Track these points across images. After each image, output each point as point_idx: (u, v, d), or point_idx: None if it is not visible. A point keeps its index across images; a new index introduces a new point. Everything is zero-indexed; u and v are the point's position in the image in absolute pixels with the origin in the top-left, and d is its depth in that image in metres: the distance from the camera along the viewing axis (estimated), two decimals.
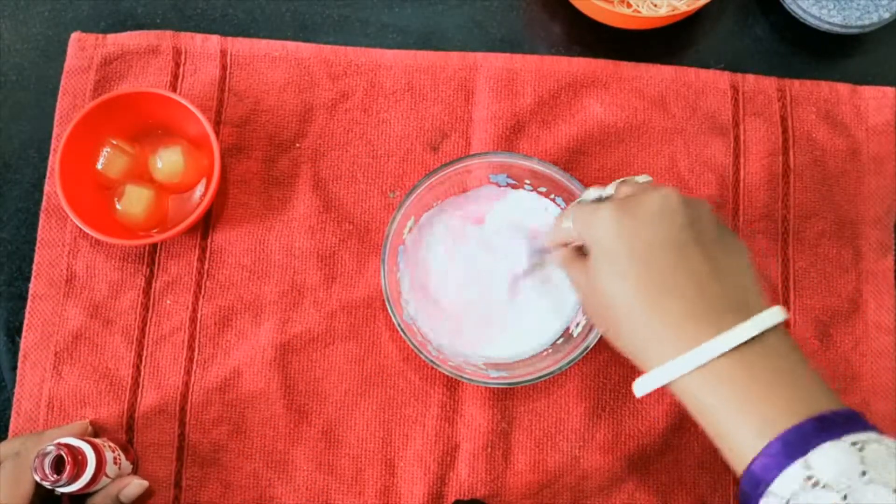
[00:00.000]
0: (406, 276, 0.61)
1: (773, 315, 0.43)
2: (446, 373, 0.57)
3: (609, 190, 0.51)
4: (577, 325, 0.60)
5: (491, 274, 0.61)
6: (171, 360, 0.61)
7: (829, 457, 0.38)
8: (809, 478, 0.38)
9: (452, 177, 0.61)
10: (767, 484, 0.39)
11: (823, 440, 0.39)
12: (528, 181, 0.62)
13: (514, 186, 0.63)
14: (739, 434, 0.42)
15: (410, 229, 0.61)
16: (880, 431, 0.41)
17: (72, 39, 0.66)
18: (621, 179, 0.51)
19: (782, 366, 0.43)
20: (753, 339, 0.42)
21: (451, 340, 0.60)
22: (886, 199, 0.65)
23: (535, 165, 0.60)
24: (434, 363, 0.57)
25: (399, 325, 0.57)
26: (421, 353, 0.57)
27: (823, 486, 0.38)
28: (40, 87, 0.66)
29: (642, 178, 0.51)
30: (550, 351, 0.60)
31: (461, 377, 0.57)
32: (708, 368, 0.42)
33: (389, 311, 0.57)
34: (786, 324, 0.45)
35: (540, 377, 0.57)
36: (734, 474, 0.61)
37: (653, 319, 0.44)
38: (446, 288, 0.61)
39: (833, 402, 0.41)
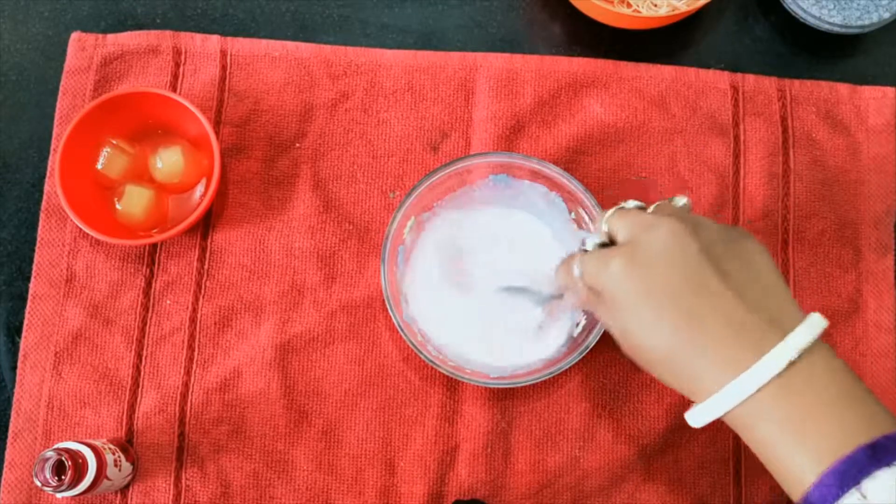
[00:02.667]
0: (406, 276, 0.61)
1: (810, 329, 0.42)
2: (446, 373, 0.57)
3: (603, 229, 0.49)
4: (578, 325, 0.60)
5: (492, 293, 0.61)
6: (171, 360, 0.61)
7: (882, 486, 0.38)
8: None
9: (452, 177, 0.61)
10: None
11: (876, 468, 0.39)
12: (528, 181, 0.62)
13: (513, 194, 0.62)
14: (793, 461, 0.41)
15: (410, 229, 0.61)
16: None
17: (72, 39, 0.66)
18: (613, 210, 0.49)
19: (831, 386, 0.42)
20: (800, 358, 0.42)
21: (449, 340, 0.60)
22: (886, 199, 0.65)
23: (535, 165, 0.60)
24: (434, 363, 0.57)
25: (399, 325, 0.57)
26: (421, 353, 0.57)
27: None
28: (40, 87, 0.66)
29: (632, 203, 0.50)
30: (549, 353, 0.60)
31: (461, 377, 0.57)
32: (754, 398, 0.42)
33: (389, 311, 0.57)
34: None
35: (540, 377, 0.57)
36: (743, 472, 0.61)
37: (692, 357, 0.43)
38: (443, 292, 0.61)
39: (887, 424, 0.41)
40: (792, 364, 0.41)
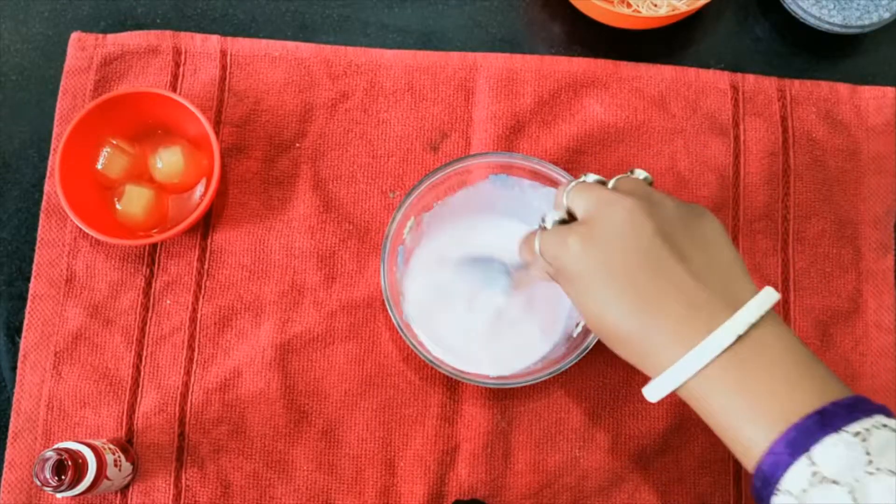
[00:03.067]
0: (406, 276, 0.61)
1: (759, 305, 0.43)
2: (446, 373, 0.57)
3: (563, 204, 0.49)
4: (578, 325, 0.60)
5: (474, 297, 0.61)
6: (171, 360, 0.61)
7: (830, 451, 0.38)
8: (815, 473, 0.38)
9: (452, 177, 0.61)
10: (777, 481, 0.40)
11: (826, 434, 0.39)
12: (528, 181, 0.62)
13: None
14: (746, 433, 0.42)
15: (411, 229, 0.61)
16: (889, 413, 0.40)
17: (72, 39, 0.66)
18: (573, 183, 0.49)
19: (782, 357, 0.42)
20: (748, 331, 0.42)
21: (449, 340, 0.60)
22: (886, 199, 0.65)
23: (535, 165, 0.60)
24: (434, 363, 0.57)
25: (399, 326, 0.57)
26: (421, 353, 0.57)
27: (831, 482, 0.38)
28: (40, 87, 0.66)
29: (592, 177, 0.50)
30: (549, 354, 0.60)
31: (461, 377, 0.57)
32: (706, 371, 0.42)
33: (389, 311, 0.57)
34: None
35: (540, 377, 0.57)
36: (744, 472, 0.61)
37: (648, 334, 0.44)
38: (443, 292, 0.61)
39: (837, 391, 0.41)
40: (741, 338, 0.42)
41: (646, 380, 0.62)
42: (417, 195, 0.60)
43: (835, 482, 0.38)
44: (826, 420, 0.40)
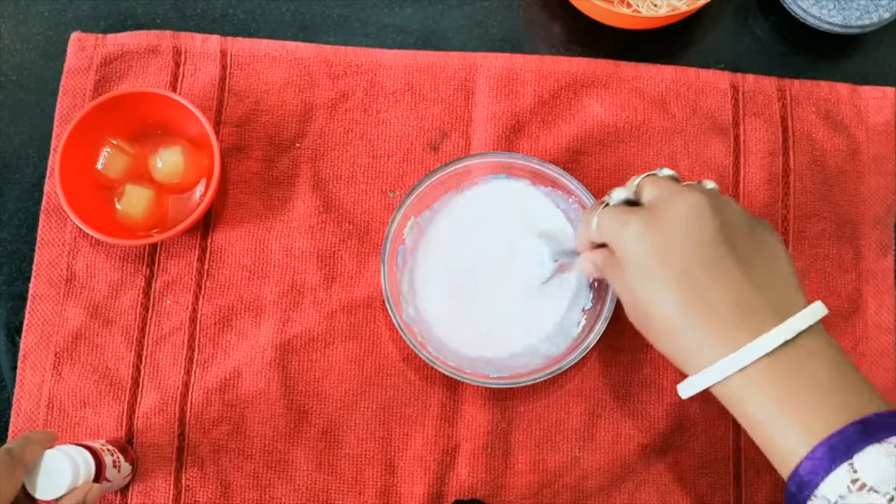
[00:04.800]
0: (406, 276, 0.61)
1: (809, 315, 0.44)
2: (446, 373, 0.57)
3: (633, 186, 0.50)
4: (578, 324, 0.60)
5: (504, 277, 0.61)
6: (171, 360, 0.61)
7: (873, 460, 0.39)
8: (855, 481, 0.39)
9: (452, 177, 0.61)
10: (814, 487, 0.40)
11: (868, 443, 0.39)
12: (528, 180, 0.62)
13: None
14: (784, 437, 0.42)
15: (411, 229, 0.61)
16: None
17: (72, 39, 0.66)
18: (646, 174, 0.50)
19: (825, 368, 0.43)
20: (794, 340, 0.43)
21: (449, 340, 0.60)
22: (886, 199, 0.65)
23: (535, 165, 0.60)
24: (434, 363, 0.57)
25: (399, 325, 0.57)
26: (421, 353, 0.57)
27: (870, 490, 0.38)
28: (40, 87, 0.66)
29: (666, 172, 0.50)
30: (549, 352, 0.60)
31: (461, 377, 0.57)
32: (748, 372, 0.43)
33: (389, 311, 0.57)
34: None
35: (540, 377, 0.57)
36: (745, 473, 0.61)
37: (693, 329, 0.45)
38: (444, 291, 0.61)
39: (877, 404, 0.42)
40: (787, 344, 0.43)
41: (645, 379, 0.62)
42: (417, 195, 0.60)
43: (874, 490, 0.38)
44: (869, 430, 0.40)
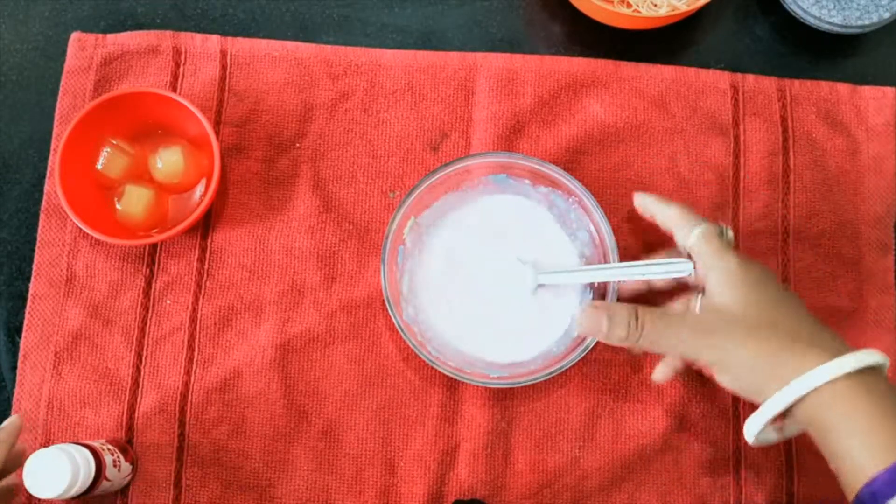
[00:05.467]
0: (406, 276, 0.61)
1: (878, 354, 0.48)
2: (446, 373, 0.57)
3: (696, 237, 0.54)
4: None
5: (493, 286, 0.62)
6: (171, 360, 0.61)
7: None
8: None
9: (452, 177, 0.61)
10: (887, 498, 0.43)
11: None
12: (527, 181, 0.62)
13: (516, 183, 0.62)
14: (859, 452, 0.45)
15: (410, 229, 0.61)
16: None
17: (72, 39, 0.66)
18: (697, 231, 0.54)
19: (893, 398, 0.47)
20: (863, 370, 0.47)
21: (449, 341, 0.61)
22: (886, 199, 0.65)
23: (535, 165, 0.60)
24: (434, 363, 0.57)
25: (399, 326, 0.57)
26: (421, 353, 0.57)
27: None
28: (40, 87, 0.66)
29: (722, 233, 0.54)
30: (549, 352, 0.60)
31: (461, 377, 0.57)
32: (828, 390, 0.47)
33: (389, 311, 0.57)
34: None
35: (540, 377, 0.57)
36: (743, 473, 0.61)
37: (775, 360, 0.49)
38: (444, 291, 0.61)
39: None
40: (866, 370, 0.47)
41: (645, 379, 0.62)
42: (417, 195, 0.60)
43: None
44: None
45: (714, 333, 0.51)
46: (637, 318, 0.52)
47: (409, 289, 0.61)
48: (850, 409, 0.46)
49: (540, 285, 0.61)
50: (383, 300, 0.60)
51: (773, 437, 0.52)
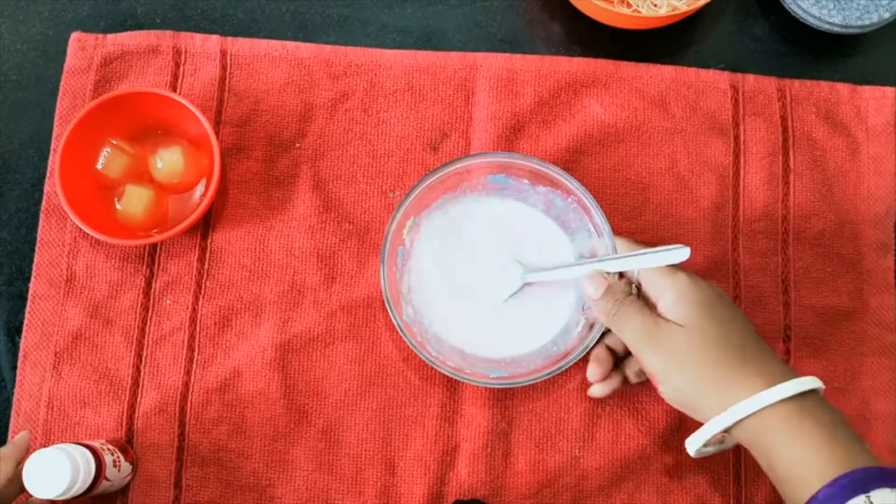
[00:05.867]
0: (406, 276, 0.61)
1: (816, 380, 0.50)
2: (446, 373, 0.57)
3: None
4: (577, 324, 0.60)
5: (481, 286, 0.62)
6: (171, 360, 0.61)
7: (889, 497, 0.44)
8: None
9: (452, 177, 0.61)
10: None
11: (886, 485, 0.44)
12: (527, 181, 0.62)
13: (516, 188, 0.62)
14: (802, 470, 0.47)
15: (410, 229, 0.61)
16: None
17: (72, 39, 0.66)
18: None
19: (833, 420, 0.49)
20: (807, 394, 0.49)
21: (448, 340, 0.61)
22: (886, 199, 0.65)
23: (535, 165, 0.60)
24: (434, 363, 0.57)
25: (399, 326, 0.57)
26: (421, 353, 0.57)
27: None
28: (40, 87, 0.66)
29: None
30: (549, 351, 0.60)
31: (461, 377, 0.57)
32: (767, 413, 0.49)
33: (389, 311, 0.57)
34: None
35: (540, 377, 0.57)
36: (744, 472, 0.61)
37: (717, 381, 0.51)
38: (439, 290, 0.62)
39: (874, 461, 0.47)
40: (804, 394, 0.49)
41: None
42: (417, 195, 0.59)
43: None
44: (885, 476, 0.45)
45: (661, 343, 0.52)
46: (625, 298, 0.55)
47: (408, 289, 0.61)
48: (790, 431, 0.48)
49: (527, 284, 0.61)
50: (383, 300, 0.60)
51: (711, 450, 0.54)
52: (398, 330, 0.57)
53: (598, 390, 0.59)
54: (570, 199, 0.61)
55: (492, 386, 0.58)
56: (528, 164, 0.60)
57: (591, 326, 0.58)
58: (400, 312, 0.58)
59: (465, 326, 0.61)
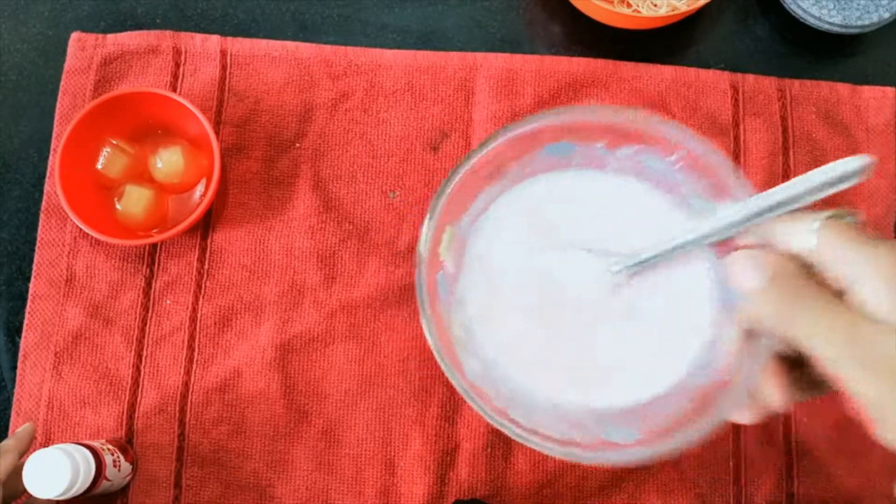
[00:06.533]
0: (457, 316, 0.44)
1: None
2: (558, 455, 0.40)
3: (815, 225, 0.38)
4: (724, 335, 0.42)
5: (562, 304, 0.44)
6: (171, 360, 0.61)
7: None
8: None
9: (491, 160, 0.44)
10: None
11: None
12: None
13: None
14: None
15: (449, 245, 0.44)
16: None
17: (72, 39, 0.66)
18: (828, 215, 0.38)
19: None
20: None
21: (538, 393, 0.43)
22: (886, 199, 0.65)
23: (612, 117, 0.42)
24: (527, 440, 0.40)
25: (464, 391, 0.39)
26: (506, 428, 0.39)
27: None
28: (40, 87, 0.66)
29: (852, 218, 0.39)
30: (691, 385, 0.43)
31: (575, 456, 0.40)
32: None
33: (446, 371, 0.40)
34: None
35: (697, 434, 0.41)
36: (744, 472, 0.61)
37: None
38: (514, 323, 0.44)
39: None
40: None
41: None
42: (448, 196, 0.43)
43: None
44: None
45: (878, 360, 0.34)
46: (805, 284, 0.36)
47: (465, 331, 0.43)
48: None
49: (636, 280, 0.43)
50: (383, 300, 0.60)
51: None
52: (465, 397, 0.39)
53: (750, 415, 0.41)
54: (672, 158, 0.43)
55: (630, 462, 0.40)
56: (600, 120, 0.42)
57: (750, 336, 0.39)
58: (462, 372, 0.39)
59: (557, 364, 0.43)
